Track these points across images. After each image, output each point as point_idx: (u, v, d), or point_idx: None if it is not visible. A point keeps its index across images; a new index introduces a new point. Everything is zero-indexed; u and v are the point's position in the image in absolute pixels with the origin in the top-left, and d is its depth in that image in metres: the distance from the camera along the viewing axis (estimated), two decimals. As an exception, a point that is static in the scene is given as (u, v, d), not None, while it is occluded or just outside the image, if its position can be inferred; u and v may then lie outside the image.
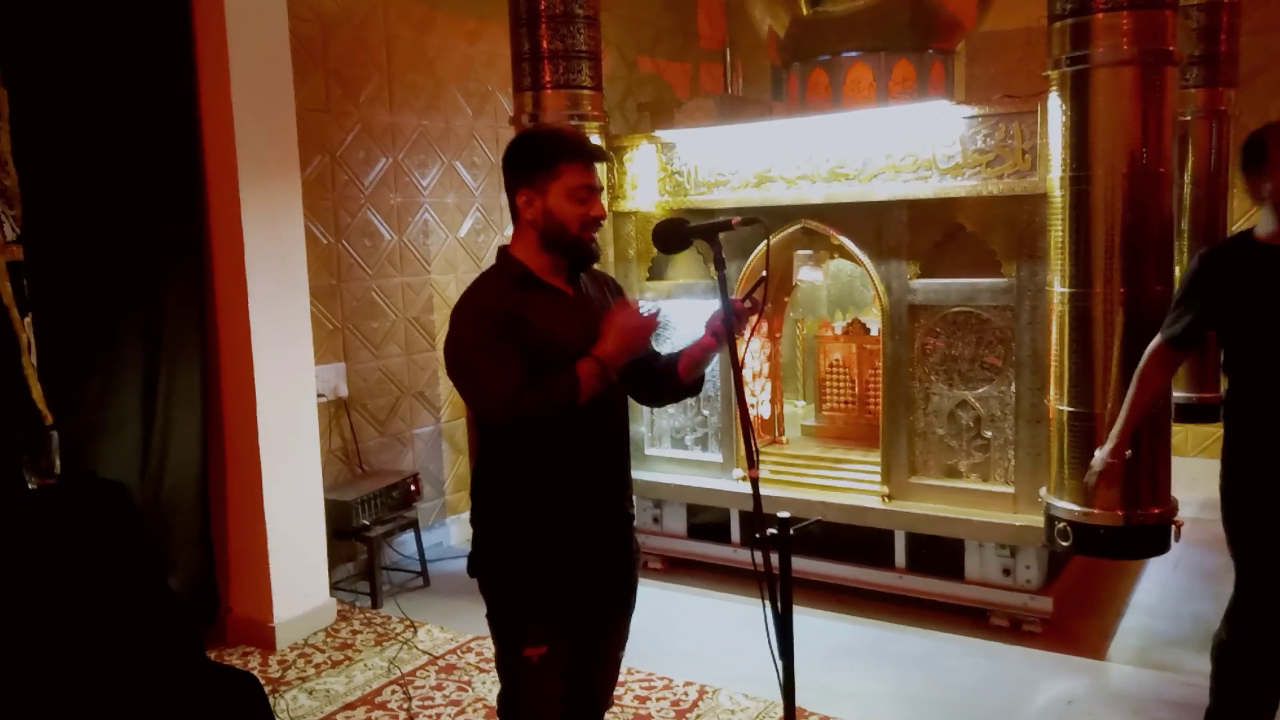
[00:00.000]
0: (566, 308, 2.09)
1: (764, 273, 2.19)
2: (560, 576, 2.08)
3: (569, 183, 2.03)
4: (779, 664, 2.02)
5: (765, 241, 2.57)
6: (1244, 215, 5.93)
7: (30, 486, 2.79)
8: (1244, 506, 2.70)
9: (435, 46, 5.15)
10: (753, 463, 2.01)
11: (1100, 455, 3.01)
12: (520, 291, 2.04)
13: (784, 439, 4.80)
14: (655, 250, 4.65)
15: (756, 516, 1.99)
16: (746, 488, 4.38)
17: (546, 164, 2.04)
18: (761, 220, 2.20)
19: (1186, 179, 5.45)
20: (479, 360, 1.98)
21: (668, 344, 4.48)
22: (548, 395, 1.93)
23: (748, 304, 2.12)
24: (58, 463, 2.84)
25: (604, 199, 2.14)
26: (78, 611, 2.52)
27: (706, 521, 4.68)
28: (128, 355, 3.66)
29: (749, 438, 2.02)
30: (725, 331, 2.08)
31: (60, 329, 3.38)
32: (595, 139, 4.42)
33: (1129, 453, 3.01)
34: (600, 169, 2.13)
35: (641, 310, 2.05)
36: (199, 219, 3.91)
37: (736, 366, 2.05)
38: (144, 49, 3.68)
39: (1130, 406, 2.92)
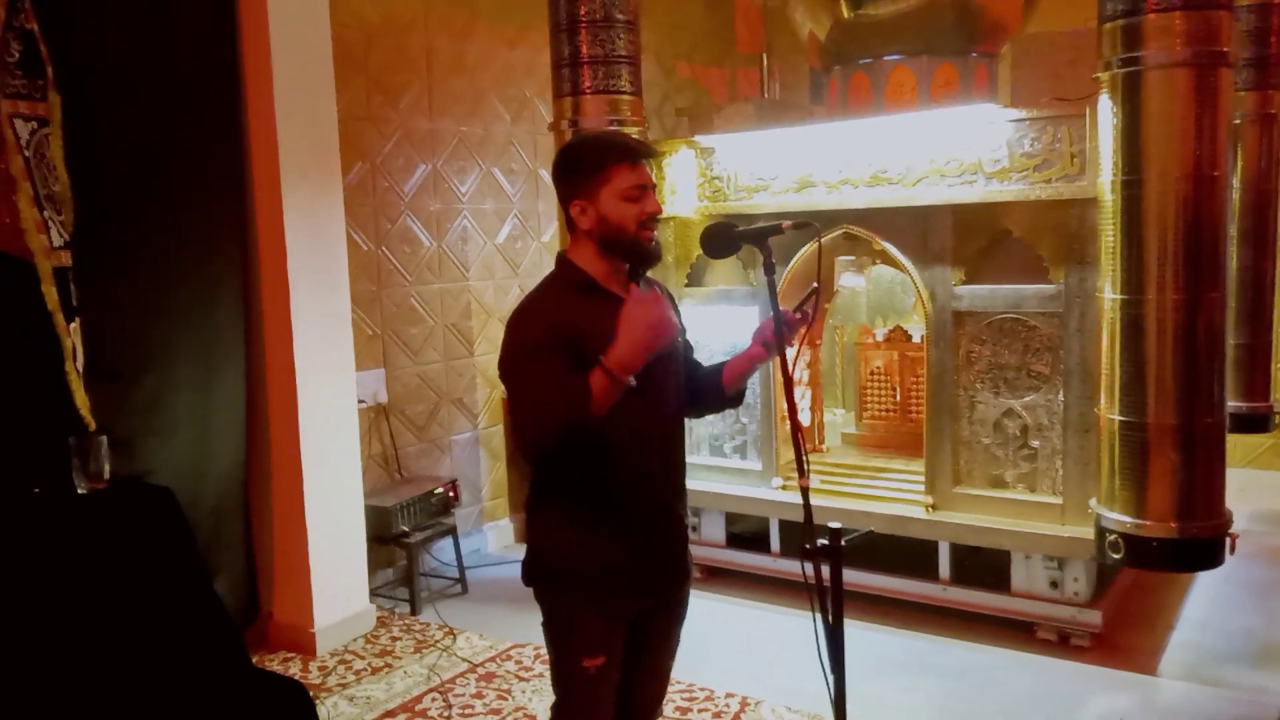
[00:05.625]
0: None
1: (815, 284, 2.14)
2: (616, 583, 2.06)
3: (620, 184, 2.00)
4: (830, 678, 1.98)
5: (817, 245, 2.54)
6: (1294, 220, 5.81)
7: (80, 491, 2.82)
8: None
9: (475, 54, 5.17)
10: (803, 472, 1.98)
11: None
12: (582, 299, 2.02)
13: (824, 447, 4.76)
14: (694, 256, 4.68)
15: (807, 527, 1.96)
16: (786, 496, 4.38)
17: (595, 170, 2.01)
18: (813, 224, 2.16)
19: (1235, 183, 5.34)
20: (529, 385, 1.95)
21: (705, 352, 4.46)
22: (558, 416, 1.86)
23: (798, 315, 2.08)
24: (107, 468, 2.86)
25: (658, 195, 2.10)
26: (127, 616, 2.53)
27: (744, 530, 4.63)
28: (176, 360, 3.69)
29: (800, 448, 1.98)
30: (776, 342, 2.04)
31: (110, 334, 3.41)
32: (636, 143, 4.40)
33: None
34: (651, 165, 2.10)
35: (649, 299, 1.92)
36: (243, 225, 3.94)
37: (788, 377, 2.01)
38: (190, 56, 3.72)
39: None
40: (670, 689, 3.51)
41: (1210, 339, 3.26)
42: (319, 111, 4.00)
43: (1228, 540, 3.33)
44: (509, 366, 2.00)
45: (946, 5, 4.38)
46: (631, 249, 2.02)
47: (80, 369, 3.16)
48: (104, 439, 2.91)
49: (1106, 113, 3.33)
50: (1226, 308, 3.36)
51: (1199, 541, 3.30)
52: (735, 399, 2.25)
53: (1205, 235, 3.23)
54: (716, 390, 2.21)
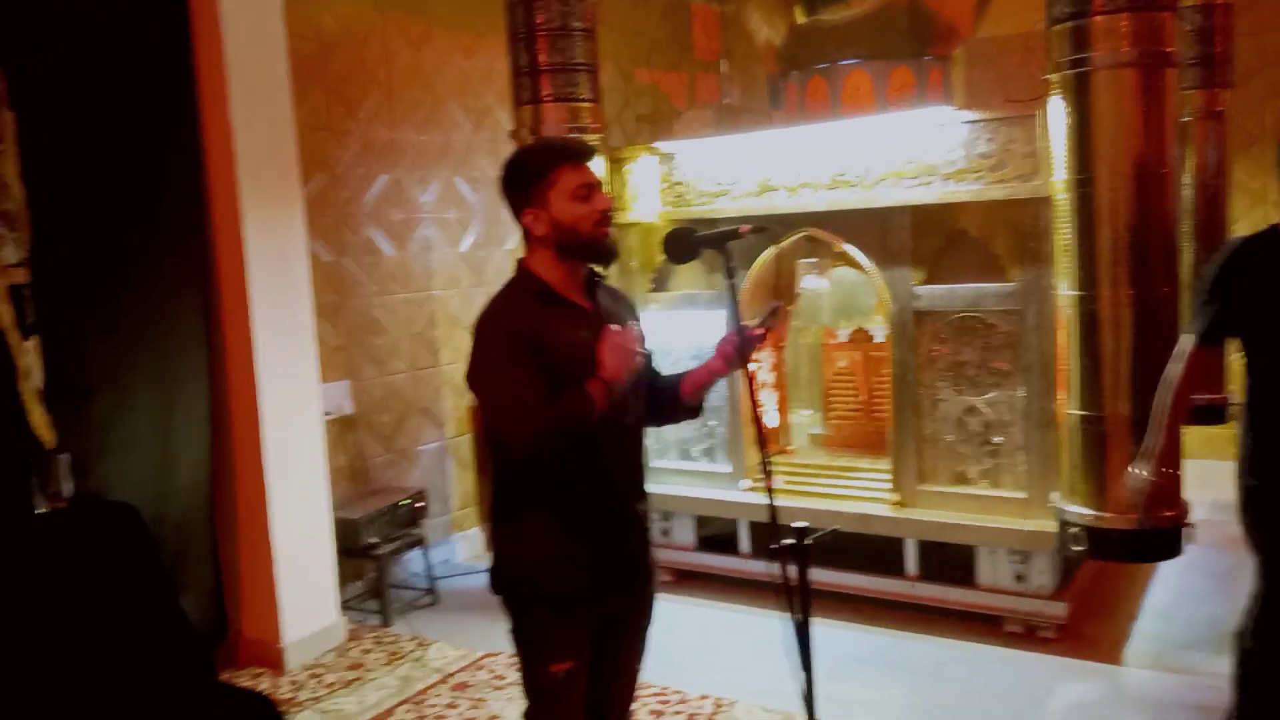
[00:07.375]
0: (585, 322, 2.07)
1: (777, 302, 2.17)
2: (581, 588, 2.07)
3: (567, 185, 2.03)
4: (800, 675, 2.00)
5: (775, 250, 2.55)
6: (1243, 215, 5.95)
7: (40, 510, 2.77)
8: (1273, 509, 2.61)
9: (433, 62, 5.16)
10: (766, 474, 2.01)
11: (1142, 473, 2.79)
12: (541, 308, 2.04)
13: (791, 448, 4.79)
14: (658, 262, 4.70)
15: (773, 527, 1.99)
16: (755, 498, 4.40)
17: (540, 176, 2.04)
18: (771, 227, 2.20)
19: (1186, 180, 5.46)
20: (503, 394, 1.97)
21: (671, 356, 4.47)
22: (564, 420, 1.92)
23: (759, 331, 2.10)
24: (67, 486, 2.82)
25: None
26: (91, 635, 2.50)
27: (714, 533, 4.66)
28: (135, 376, 3.64)
29: (764, 450, 2.01)
30: (737, 357, 2.07)
31: (68, 350, 3.36)
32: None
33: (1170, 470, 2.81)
34: (596, 165, 2.12)
35: (625, 332, 2.02)
36: (203, 239, 3.90)
37: (752, 388, 2.03)
38: (146, 71, 3.68)
39: (1171, 414, 2.70)
40: (643, 692, 3.54)
41: (1164, 333, 3.33)
42: (277, 123, 3.97)
43: (1185, 530, 3.40)
44: (481, 373, 2.01)
45: (900, 9, 4.44)
46: (589, 248, 2.05)
47: (37, 387, 3.10)
48: (65, 457, 2.87)
49: (1058, 113, 3.40)
50: (1179, 302, 3.43)
51: (1158, 532, 3.37)
52: (694, 410, 2.27)
53: (1156, 231, 3.30)
54: (674, 401, 2.23)
